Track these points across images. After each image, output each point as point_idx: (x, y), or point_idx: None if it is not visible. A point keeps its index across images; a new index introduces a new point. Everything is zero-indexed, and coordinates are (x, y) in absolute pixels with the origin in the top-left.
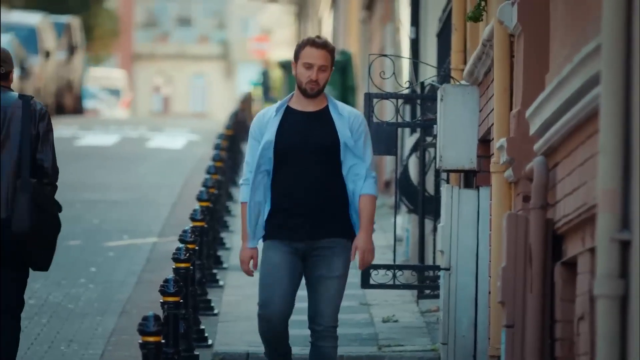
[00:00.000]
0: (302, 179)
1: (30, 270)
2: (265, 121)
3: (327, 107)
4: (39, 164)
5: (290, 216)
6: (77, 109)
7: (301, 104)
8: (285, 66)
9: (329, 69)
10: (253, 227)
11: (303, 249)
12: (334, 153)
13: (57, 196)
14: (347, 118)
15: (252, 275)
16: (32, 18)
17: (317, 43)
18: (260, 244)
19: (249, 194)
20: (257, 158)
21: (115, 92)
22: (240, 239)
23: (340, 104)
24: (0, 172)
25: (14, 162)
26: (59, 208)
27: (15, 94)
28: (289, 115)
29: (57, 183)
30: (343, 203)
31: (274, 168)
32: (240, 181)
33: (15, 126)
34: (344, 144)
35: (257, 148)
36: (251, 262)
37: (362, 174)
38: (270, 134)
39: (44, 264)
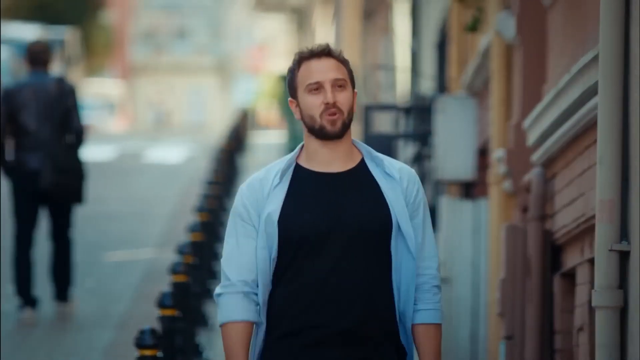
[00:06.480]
0: (326, 288)
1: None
2: (265, 193)
3: (362, 164)
4: (72, 126)
5: (304, 352)
6: None
7: (319, 161)
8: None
9: (350, 87)
10: (252, 352)
11: None
12: (383, 240)
13: None
14: (400, 180)
15: None
16: (28, 32)
17: (318, 52)
18: None
19: (235, 309)
20: (250, 254)
21: (109, 106)
22: None
23: (386, 158)
24: (44, 135)
25: (50, 129)
26: (81, 163)
27: (53, 76)
28: (301, 181)
29: (83, 138)
30: (392, 322)
31: (277, 270)
32: (217, 289)
33: (52, 101)
34: (396, 224)
35: (247, 237)
36: None
37: (421, 275)
38: (272, 212)
39: (76, 200)
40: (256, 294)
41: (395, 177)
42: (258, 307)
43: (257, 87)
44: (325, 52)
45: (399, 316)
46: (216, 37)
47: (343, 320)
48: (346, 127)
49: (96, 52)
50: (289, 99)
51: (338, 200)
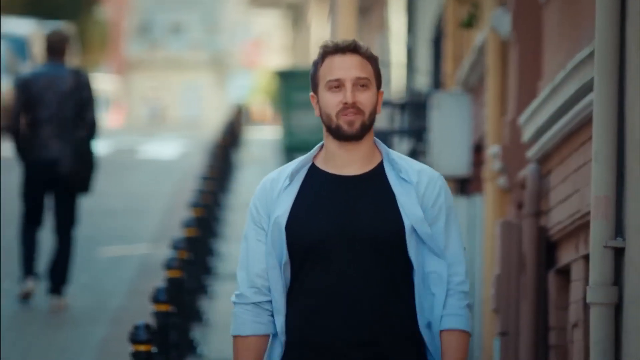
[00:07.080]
0: (334, 298)
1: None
2: (275, 194)
3: (380, 167)
4: (85, 119)
5: None
6: None
7: (336, 163)
8: (281, 76)
9: (374, 86)
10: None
11: None
12: (397, 249)
13: None
14: (416, 184)
15: None
16: (23, 27)
17: (343, 47)
18: None
19: (245, 322)
20: (261, 259)
21: (104, 101)
22: None
23: (406, 160)
24: (58, 126)
25: (66, 119)
26: (93, 154)
27: (68, 67)
28: (312, 183)
29: (96, 130)
30: (411, 336)
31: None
32: (232, 297)
33: (68, 92)
34: (410, 229)
35: (258, 241)
36: None
37: (444, 285)
38: (279, 215)
39: (84, 189)
40: (269, 301)
41: (411, 181)
42: (271, 315)
43: (252, 82)
44: (350, 48)
45: (427, 326)
46: (211, 32)
47: (351, 332)
48: (366, 128)
49: (91, 47)
50: (311, 93)
51: (349, 205)
